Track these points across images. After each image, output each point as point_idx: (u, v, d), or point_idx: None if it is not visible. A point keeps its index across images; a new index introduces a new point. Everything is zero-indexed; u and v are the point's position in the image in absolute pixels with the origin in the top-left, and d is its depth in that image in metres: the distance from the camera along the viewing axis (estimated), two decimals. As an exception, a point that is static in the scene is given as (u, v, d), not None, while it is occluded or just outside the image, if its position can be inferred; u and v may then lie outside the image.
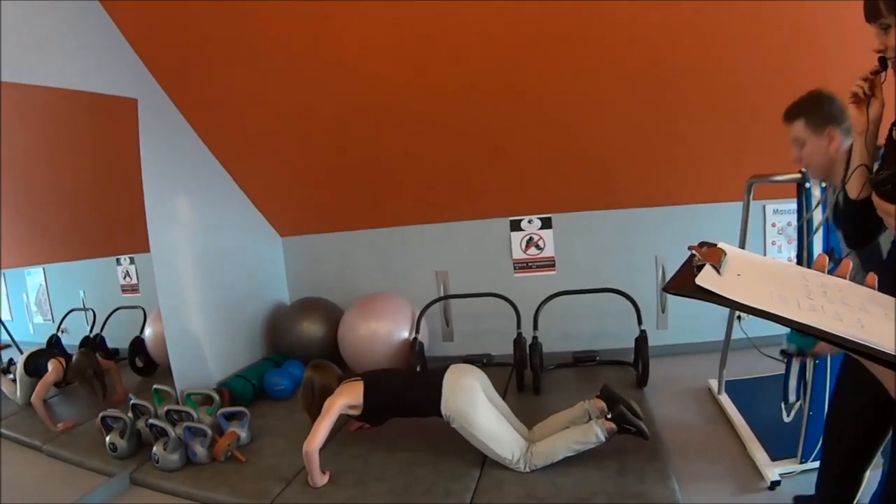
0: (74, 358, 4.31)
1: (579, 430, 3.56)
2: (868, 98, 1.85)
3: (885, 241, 2.06)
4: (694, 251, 0.95)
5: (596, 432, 3.48)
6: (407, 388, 3.82)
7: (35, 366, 4.17)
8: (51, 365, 4.17)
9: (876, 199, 1.56)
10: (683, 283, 0.89)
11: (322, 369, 3.98)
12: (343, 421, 3.81)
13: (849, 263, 0.95)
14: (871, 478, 2.43)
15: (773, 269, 0.97)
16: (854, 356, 0.80)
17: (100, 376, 4.42)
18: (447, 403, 3.58)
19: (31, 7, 3.77)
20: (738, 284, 0.88)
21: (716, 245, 0.97)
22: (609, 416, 3.56)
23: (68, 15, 4.01)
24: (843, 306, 0.83)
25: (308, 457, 3.55)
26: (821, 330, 0.77)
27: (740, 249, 1.00)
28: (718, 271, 0.90)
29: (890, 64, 1.70)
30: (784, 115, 2.69)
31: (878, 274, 0.94)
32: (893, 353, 0.72)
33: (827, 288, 0.89)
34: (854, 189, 1.91)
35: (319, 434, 3.55)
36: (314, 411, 3.75)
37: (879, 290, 0.89)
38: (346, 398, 3.70)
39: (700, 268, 0.90)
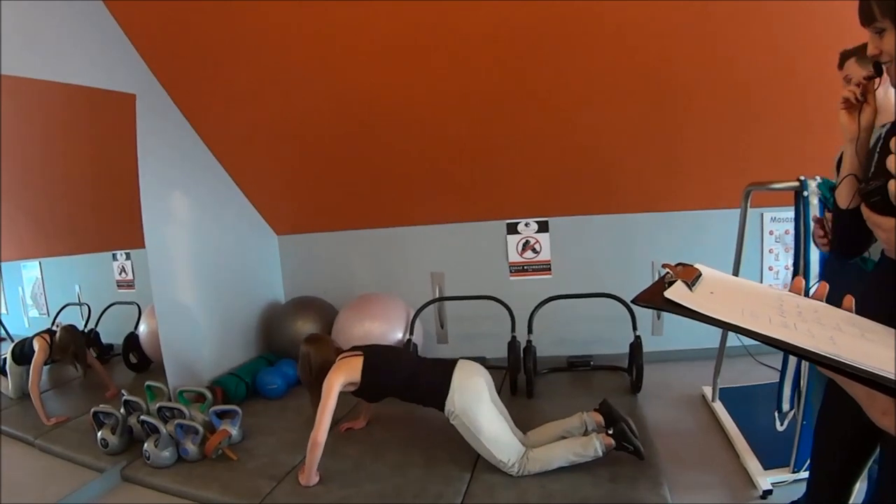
0: (58, 334, 4.29)
1: (579, 441, 3.56)
2: (860, 104, 1.84)
3: (874, 252, 2.06)
4: (668, 268, 0.96)
5: (595, 445, 3.47)
6: (411, 376, 3.77)
7: (21, 352, 4.15)
8: (36, 343, 4.15)
9: (865, 211, 1.55)
10: (652, 296, 0.90)
11: (319, 342, 3.95)
12: (336, 419, 3.78)
13: (825, 286, 0.94)
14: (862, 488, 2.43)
15: (748, 290, 0.98)
16: (825, 372, 0.79)
17: (81, 351, 4.40)
18: (454, 400, 3.56)
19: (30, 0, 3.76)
20: (709, 300, 0.89)
21: (692, 265, 0.97)
22: (610, 431, 3.56)
23: (67, 9, 4.00)
24: (817, 325, 0.83)
25: (315, 446, 3.54)
26: (788, 343, 0.77)
27: (718, 272, 1.01)
28: (690, 288, 0.91)
29: (885, 69, 1.69)
30: (838, 60, 2.77)
31: (863, 285, 0.93)
32: (861, 367, 0.71)
33: (802, 308, 0.89)
34: (843, 198, 1.89)
35: (324, 421, 3.54)
36: (314, 387, 3.73)
37: (866, 301, 0.89)
38: (345, 375, 3.67)
39: (672, 283, 0.91)
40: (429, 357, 4.64)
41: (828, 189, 2.71)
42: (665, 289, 0.90)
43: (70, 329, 4.40)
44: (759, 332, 0.80)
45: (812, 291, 0.96)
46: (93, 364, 4.57)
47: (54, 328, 4.34)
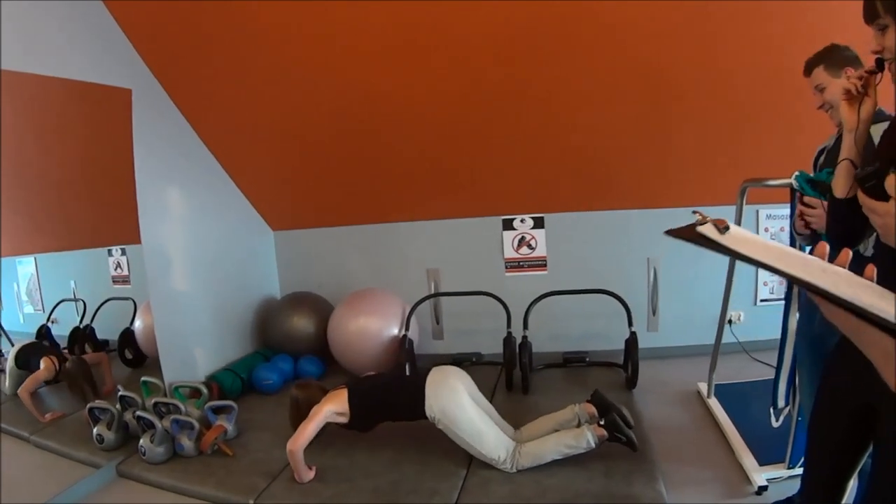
0: (67, 365, 4.29)
1: (571, 434, 3.56)
2: (861, 96, 1.85)
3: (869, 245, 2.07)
4: (699, 214, 1.05)
5: (587, 437, 3.47)
6: (391, 393, 3.82)
7: (26, 359, 4.16)
8: (43, 363, 4.16)
9: (861, 196, 1.55)
10: (685, 231, 1.02)
11: (306, 387, 4.01)
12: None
13: (849, 252, 0.99)
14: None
15: (774, 247, 1.02)
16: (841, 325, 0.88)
17: (90, 383, 4.41)
18: (431, 404, 3.58)
19: (27, -3, 3.76)
20: (738, 243, 0.98)
21: (723, 219, 1.04)
22: (601, 422, 3.56)
23: (63, 5, 3.99)
24: (840, 282, 0.89)
25: (292, 455, 3.55)
26: (812, 283, 0.86)
27: (745, 230, 1.07)
28: (721, 232, 1.00)
29: (887, 65, 1.70)
30: (803, 69, 2.82)
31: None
32: (882, 315, 0.78)
33: (826, 269, 0.94)
34: (840, 186, 1.90)
35: (305, 435, 3.56)
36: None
37: None
38: (333, 404, 3.71)
39: (701, 224, 1.03)
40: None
41: (804, 181, 2.72)
42: (695, 225, 1.01)
43: (80, 362, 4.42)
44: (786, 271, 0.90)
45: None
46: (101, 361, 4.59)
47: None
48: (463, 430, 3.54)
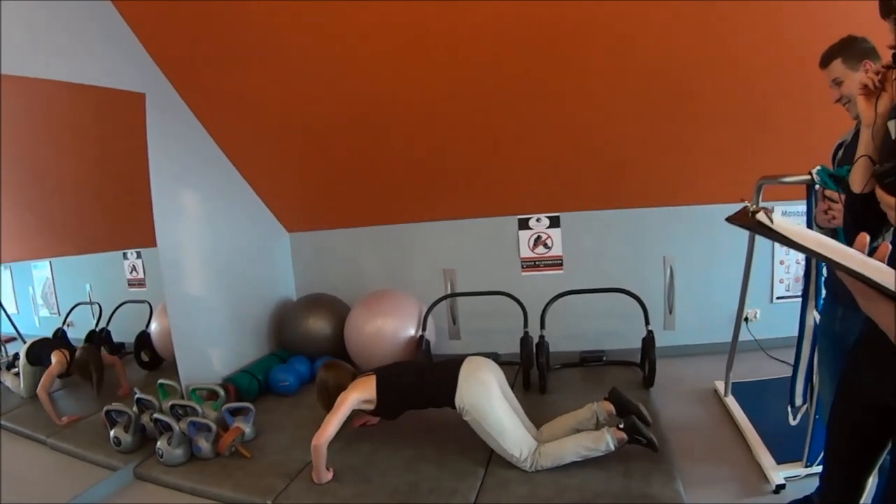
0: (77, 353, 4.30)
1: (590, 436, 3.55)
2: (878, 91, 1.84)
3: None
4: (746, 201, 1.20)
5: (607, 440, 3.46)
6: (420, 380, 3.80)
7: (38, 355, 4.18)
8: (54, 357, 4.17)
9: (879, 192, 1.55)
10: (743, 219, 1.17)
11: (335, 368, 3.98)
12: (349, 418, 3.78)
13: (887, 246, 1.05)
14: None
15: (819, 238, 1.14)
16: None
17: (99, 371, 4.41)
18: (462, 395, 3.57)
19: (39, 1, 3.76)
20: (787, 232, 1.13)
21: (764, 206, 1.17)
22: (621, 425, 3.54)
23: (75, 9, 4.00)
24: (882, 273, 1.00)
25: (316, 450, 3.55)
26: (863, 275, 0.97)
27: (786, 219, 1.20)
28: (770, 219, 1.15)
29: None
30: (820, 61, 2.80)
31: None
32: None
33: (866, 261, 1.04)
34: (857, 181, 1.89)
35: (330, 428, 3.56)
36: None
37: None
38: (360, 393, 3.70)
39: (755, 213, 1.17)
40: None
41: (827, 175, 2.71)
42: (751, 215, 1.16)
43: (88, 348, 4.42)
44: (838, 261, 1.01)
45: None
46: (115, 364, 4.60)
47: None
48: (489, 424, 3.53)
